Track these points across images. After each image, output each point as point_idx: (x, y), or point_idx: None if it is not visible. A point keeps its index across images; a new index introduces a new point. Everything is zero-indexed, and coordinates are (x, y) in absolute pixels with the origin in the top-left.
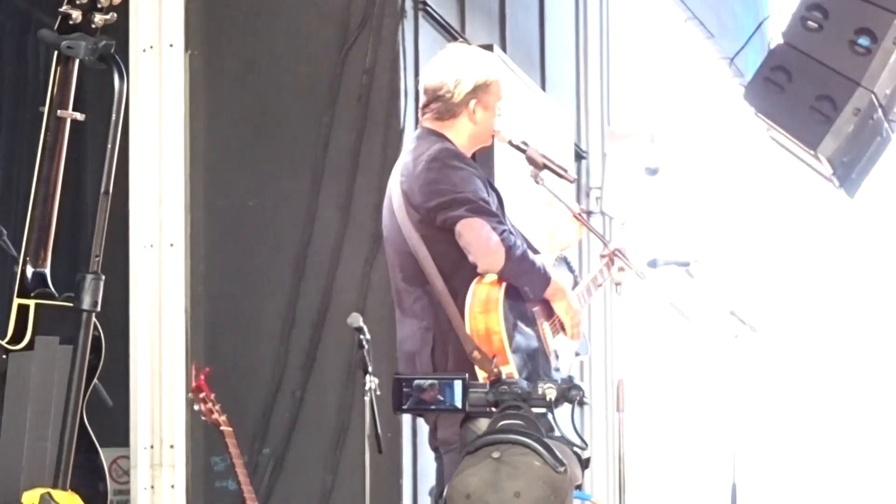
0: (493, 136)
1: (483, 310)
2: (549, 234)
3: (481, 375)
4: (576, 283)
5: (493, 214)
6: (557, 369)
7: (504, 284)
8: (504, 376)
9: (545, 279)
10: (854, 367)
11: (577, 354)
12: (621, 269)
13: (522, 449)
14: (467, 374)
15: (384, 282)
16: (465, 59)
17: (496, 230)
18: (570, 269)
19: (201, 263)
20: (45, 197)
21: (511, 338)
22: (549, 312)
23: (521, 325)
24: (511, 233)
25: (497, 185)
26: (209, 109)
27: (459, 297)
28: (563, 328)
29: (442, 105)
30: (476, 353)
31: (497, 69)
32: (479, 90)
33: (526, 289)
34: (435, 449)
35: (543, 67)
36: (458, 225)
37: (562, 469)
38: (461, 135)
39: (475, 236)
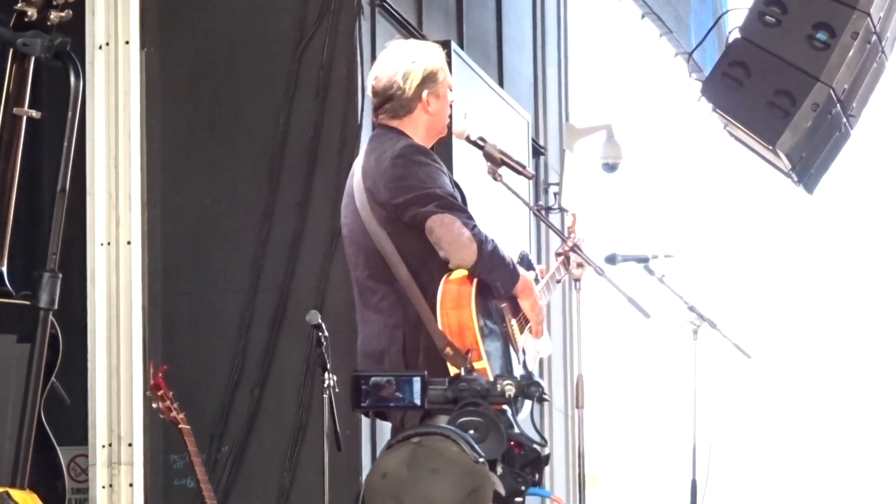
0: (449, 131)
1: (455, 305)
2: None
3: (454, 372)
4: (536, 280)
5: (463, 210)
6: (525, 366)
7: (475, 281)
8: (477, 372)
9: (515, 275)
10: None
11: (539, 351)
12: (580, 265)
13: (442, 437)
14: (434, 371)
15: (343, 279)
16: (408, 54)
17: (467, 225)
18: (531, 266)
19: (158, 261)
20: (0, 195)
21: (484, 333)
22: (516, 309)
23: (491, 321)
24: (479, 226)
25: (463, 179)
26: (165, 107)
27: (429, 293)
28: (528, 325)
29: (395, 103)
30: (448, 350)
31: (441, 58)
32: (428, 80)
33: (497, 284)
34: None
35: (501, 64)
36: (429, 221)
37: (481, 461)
38: (419, 129)
39: (447, 231)
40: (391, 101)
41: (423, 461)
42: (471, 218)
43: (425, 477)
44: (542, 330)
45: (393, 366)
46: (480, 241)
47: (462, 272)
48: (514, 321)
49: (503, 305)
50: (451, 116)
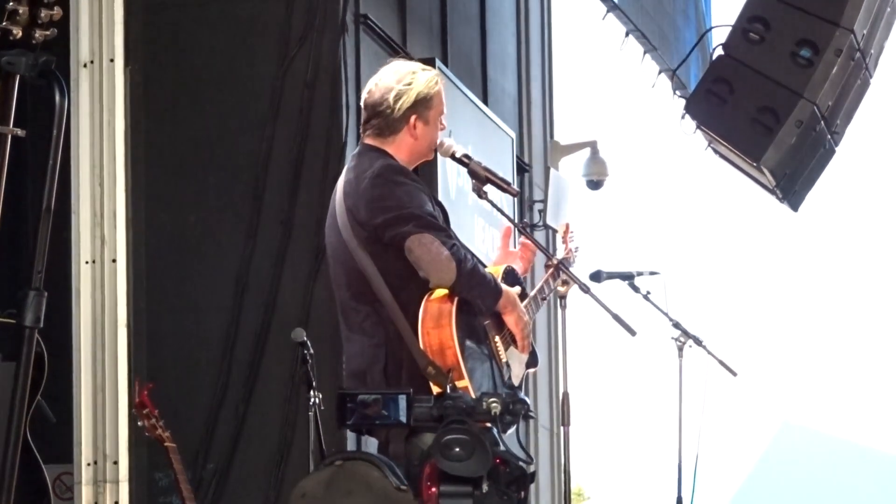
0: (435, 150)
1: (436, 325)
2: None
3: (436, 391)
4: (524, 295)
5: (441, 229)
6: (510, 383)
7: (456, 299)
8: (460, 391)
9: (496, 291)
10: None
11: (527, 367)
12: (565, 282)
13: (366, 463)
14: (417, 390)
15: (327, 296)
16: (405, 75)
17: (446, 244)
18: (518, 281)
19: (143, 279)
20: None
21: (465, 352)
22: (500, 325)
23: (474, 339)
24: (460, 246)
25: (441, 198)
26: (149, 124)
27: (410, 313)
28: (513, 341)
29: (382, 121)
30: (430, 369)
31: (438, 83)
32: (419, 105)
33: (478, 302)
34: None
35: (485, 81)
36: (408, 241)
37: (404, 488)
38: (402, 150)
39: (426, 251)
40: (378, 118)
41: (341, 483)
42: (450, 237)
43: (339, 498)
44: (527, 345)
45: (375, 385)
46: (459, 259)
47: (443, 291)
48: (497, 338)
49: (487, 322)
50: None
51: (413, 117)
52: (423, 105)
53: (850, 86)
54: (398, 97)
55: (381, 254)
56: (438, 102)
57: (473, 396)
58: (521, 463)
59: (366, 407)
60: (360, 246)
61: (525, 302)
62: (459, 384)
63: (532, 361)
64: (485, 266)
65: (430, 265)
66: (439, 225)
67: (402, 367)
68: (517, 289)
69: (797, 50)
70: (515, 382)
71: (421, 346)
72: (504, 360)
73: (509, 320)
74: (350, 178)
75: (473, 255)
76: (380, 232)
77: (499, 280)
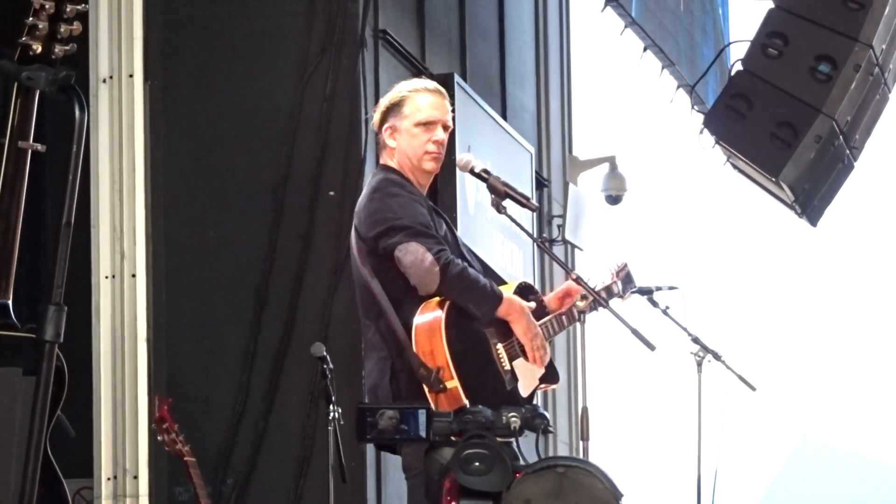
0: (452, 163)
1: (427, 328)
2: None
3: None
4: (542, 310)
5: (432, 237)
6: (512, 391)
7: (448, 303)
8: (449, 391)
9: (492, 297)
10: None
11: (545, 381)
12: (584, 296)
13: (585, 471)
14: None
15: (346, 311)
16: (390, 91)
17: (431, 250)
18: (534, 297)
19: (163, 294)
20: (5, 229)
21: (455, 354)
22: (507, 334)
23: (468, 343)
24: (447, 251)
25: (459, 213)
26: (169, 140)
27: (410, 324)
28: (523, 352)
29: (377, 138)
30: (422, 370)
31: (418, 90)
32: (389, 115)
33: (470, 306)
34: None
35: (504, 96)
36: (396, 251)
37: (621, 498)
38: (396, 162)
39: (411, 260)
40: (376, 137)
41: (569, 494)
42: (440, 243)
43: None
44: (539, 357)
45: (384, 397)
46: (444, 264)
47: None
48: (500, 345)
49: (490, 329)
50: (431, 145)
51: (385, 128)
52: (393, 113)
53: (868, 101)
54: (377, 113)
55: (381, 267)
56: (412, 104)
57: (464, 398)
58: None
59: (385, 421)
60: (364, 261)
61: (546, 319)
62: (449, 385)
63: (549, 377)
64: (504, 282)
65: (416, 272)
66: (430, 233)
67: (402, 377)
68: (533, 304)
69: (816, 65)
70: (524, 393)
71: (414, 349)
72: (507, 368)
73: (517, 329)
74: (361, 196)
75: (485, 266)
76: (375, 244)
77: (510, 292)
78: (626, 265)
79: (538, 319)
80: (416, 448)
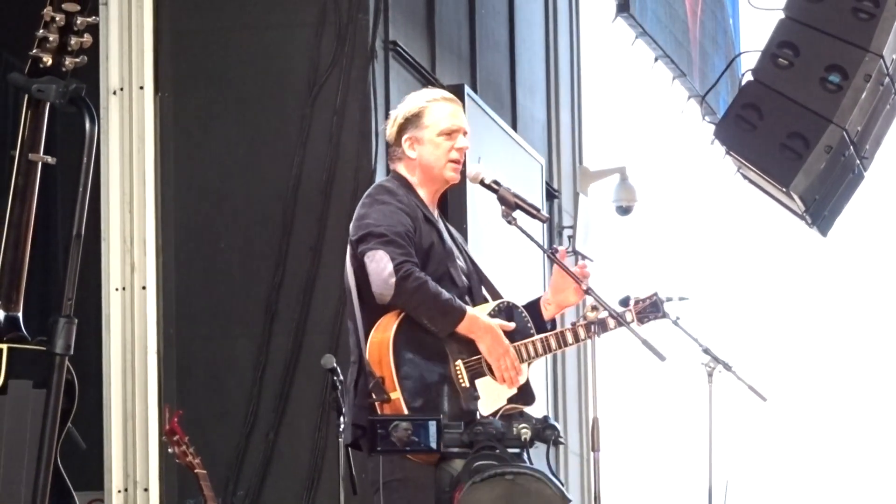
0: (463, 175)
1: (379, 337)
2: (552, 291)
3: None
4: (524, 331)
5: (402, 247)
6: (468, 408)
7: (402, 314)
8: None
9: (453, 314)
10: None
11: (516, 402)
12: (594, 307)
13: (534, 477)
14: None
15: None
16: (404, 101)
17: (394, 260)
18: (518, 317)
19: (173, 306)
20: (16, 241)
21: (400, 365)
22: (475, 351)
23: (421, 355)
24: (411, 263)
25: (469, 224)
26: (179, 151)
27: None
28: (490, 371)
29: (390, 150)
30: (370, 378)
31: (436, 100)
32: (408, 126)
33: (424, 321)
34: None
35: (514, 107)
36: (365, 257)
37: (569, 502)
38: (414, 173)
39: (374, 268)
40: (389, 147)
41: (518, 500)
42: (408, 255)
43: None
44: (510, 377)
45: (349, 402)
46: (403, 276)
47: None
48: (460, 362)
49: (453, 346)
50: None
51: (404, 139)
52: (412, 124)
53: (879, 111)
54: (392, 124)
55: (358, 272)
56: (432, 115)
57: (405, 409)
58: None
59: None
60: (350, 264)
61: (528, 340)
62: (392, 395)
63: (522, 399)
64: (500, 297)
65: (375, 280)
66: (401, 243)
67: (362, 381)
68: (511, 325)
69: (826, 75)
70: (484, 412)
71: (367, 356)
72: (464, 385)
73: (481, 348)
74: None
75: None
76: (356, 248)
77: (482, 311)
78: (655, 294)
79: (522, 339)
80: (383, 460)
